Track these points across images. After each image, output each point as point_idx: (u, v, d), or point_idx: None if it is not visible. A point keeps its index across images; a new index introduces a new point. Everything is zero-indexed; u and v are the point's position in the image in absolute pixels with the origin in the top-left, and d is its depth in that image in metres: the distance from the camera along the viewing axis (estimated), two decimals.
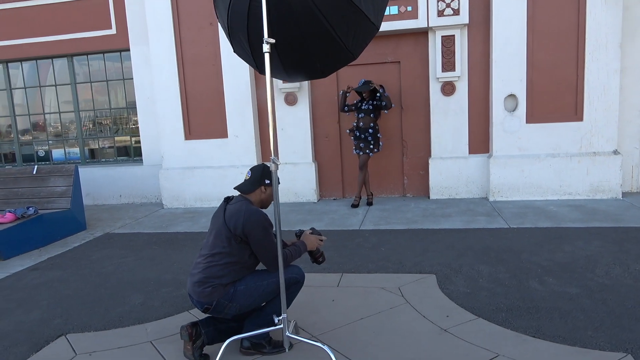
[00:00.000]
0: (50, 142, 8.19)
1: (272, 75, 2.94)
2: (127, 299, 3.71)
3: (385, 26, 6.23)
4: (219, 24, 5.41)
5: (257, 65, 2.87)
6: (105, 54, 7.62)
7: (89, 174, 7.69)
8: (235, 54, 3.10)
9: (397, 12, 6.20)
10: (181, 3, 6.68)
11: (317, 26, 2.51)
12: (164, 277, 4.15)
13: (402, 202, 6.56)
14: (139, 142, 7.72)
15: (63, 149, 8.16)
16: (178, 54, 6.80)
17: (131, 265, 4.57)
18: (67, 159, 8.14)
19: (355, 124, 6.26)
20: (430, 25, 6.15)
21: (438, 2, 6.05)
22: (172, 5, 6.68)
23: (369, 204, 6.48)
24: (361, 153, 6.23)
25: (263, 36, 2.36)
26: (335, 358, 2.47)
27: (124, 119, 7.88)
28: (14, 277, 4.41)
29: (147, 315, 3.38)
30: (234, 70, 6.64)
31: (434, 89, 6.40)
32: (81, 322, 3.33)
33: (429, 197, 6.66)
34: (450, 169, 6.49)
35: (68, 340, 3.05)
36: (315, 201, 6.92)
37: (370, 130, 6.12)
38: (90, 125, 8.01)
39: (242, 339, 2.71)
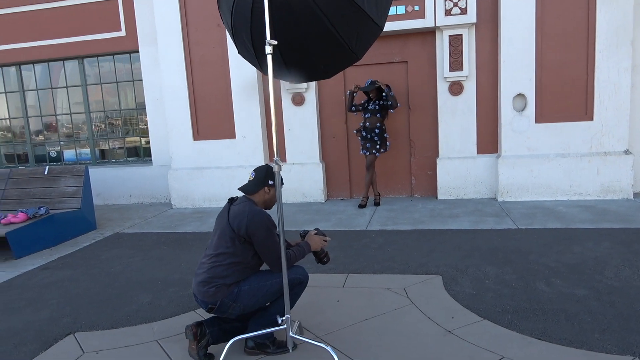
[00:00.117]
0: (61, 142, 8.30)
1: (276, 76, 2.96)
2: (135, 298, 3.75)
3: (392, 26, 6.23)
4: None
5: (260, 66, 2.88)
6: (115, 56, 7.70)
7: (99, 175, 7.78)
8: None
9: (404, 12, 6.18)
10: (189, 5, 6.73)
11: (320, 27, 2.52)
12: (171, 276, 4.18)
13: (409, 203, 6.54)
14: (148, 142, 7.80)
15: (74, 150, 8.27)
16: (186, 55, 6.86)
17: (140, 265, 4.61)
18: (79, 159, 8.24)
19: (362, 124, 6.25)
20: (437, 25, 6.12)
21: (445, 1, 6.02)
22: (180, 7, 6.73)
23: (377, 204, 6.47)
24: (368, 153, 6.23)
25: (265, 38, 2.36)
26: (338, 359, 2.47)
27: (133, 119, 7.96)
28: (25, 276, 4.48)
29: (154, 314, 3.41)
30: (242, 71, 6.67)
31: (442, 88, 6.37)
32: (89, 320, 3.37)
33: (436, 198, 6.63)
34: (458, 169, 6.45)
35: (76, 339, 3.10)
36: (323, 201, 6.93)
37: (376, 130, 6.12)
38: (102, 126, 8.10)
39: (247, 339, 2.73)
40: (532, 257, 4.04)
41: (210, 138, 7.04)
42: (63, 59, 7.88)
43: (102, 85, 7.88)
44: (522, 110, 6.07)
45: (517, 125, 6.10)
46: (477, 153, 6.45)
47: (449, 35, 6.17)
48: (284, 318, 2.60)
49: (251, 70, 6.63)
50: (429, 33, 6.38)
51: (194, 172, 7.10)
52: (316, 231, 2.89)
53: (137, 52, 7.46)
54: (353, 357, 2.64)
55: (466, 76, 6.23)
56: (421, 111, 6.63)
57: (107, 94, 7.92)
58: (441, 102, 6.40)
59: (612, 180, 5.88)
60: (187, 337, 2.68)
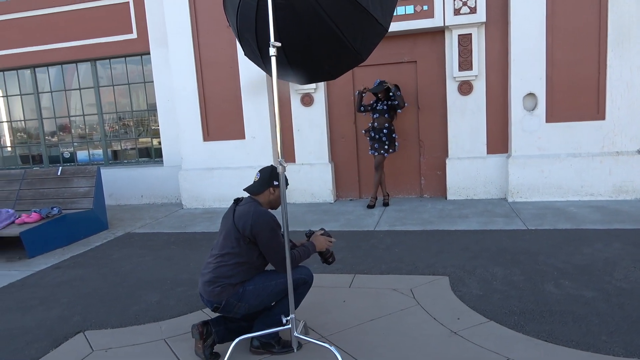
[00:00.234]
0: (75, 144, 8.44)
1: (282, 77, 2.98)
2: (144, 297, 3.80)
3: (401, 26, 6.22)
4: None
5: (266, 67, 2.90)
6: (126, 58, 7.81)
7: (111, 175, 7.88)
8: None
9: (412, 12, 6.17)
10: (199, 7, 6.79)
11: (324, 29, 2.53)
12: (180, 276, 4.23)
13: (418, 203, 6.52)
14: (160, 143, 7.89)
15: (87, 151, 8.40)
16: (196, 57, 6.92)
17: (149, 264, 4.67)
18: (91, 160, 8.37)
19: (370, 125, 6.26)
20: (446, 24, 6.09)
21: (454, 0, 5.99)
22: (190, 10, 6.80)
23: (385, 204, 6.46)
24: (376, 154, 6.22)
25: (269, 40, 2.38)
26: (342, 359, 2.48)
27: (145, 121, 8.06)
28: (37, 275, 4.57)
29: (162, 313, 3.46)
30: (251, 72, 6.70)
31: (451, 88, 6.33)
32: (99, 319, 3.43)
33: (446, 198, 6.59)
34: (468, 169, 6.41)
35: (86, 337, 3.15)
36: (332, 202, 6.94)
37: (385, 130, 6.11)
38: (114, 127, 8.22)
39: (252, 338, 2.75)
40: (540, 258, 4.00)
41: (220, 139, 7.09)
42: (76, 62, 8.00)
43: (114, 87, 7.99)
44: (533, 109, 6.01)
45: (527, 124, 6.04)
46: (487, 153, 6.40)
47: (458, 35, 6.13)
48: (288, 318, 2.62)
49: (260, 71, 6.66)
50: (438, 33, 6.36)
51: (204, 173, 7.16)
52: (322, 232, 2.90)
53: (148, 54, 7.55)
54: (357, 357, 2.64)
55: (475, 76, 6.19)
56: (430, 111, 6.61)
57: (119, 96, 8.03)
58: (450, 102, 6.37)
59: (624, 180, 5.80)
60: (193, 336, 2.71)
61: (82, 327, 3.31)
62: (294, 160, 7.01)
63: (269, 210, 2.72)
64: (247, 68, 6.71)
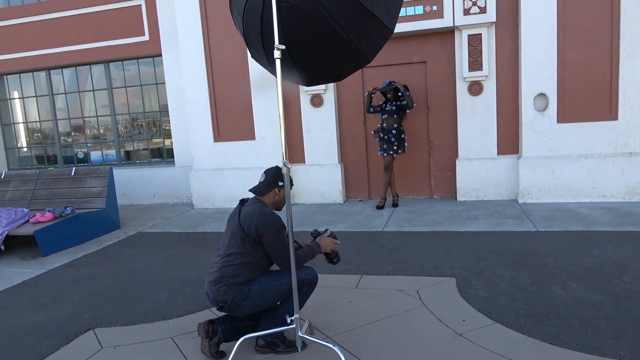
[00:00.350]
0: (88, 144, 8.58)
1: (289, 79, 3.01)
2: (153, 296, 3.85)
3: (410, 26, 6.21)
4: None
5: (272, 69, 2.93)
6: (139, 60, 7.91)
7: (124, 175, 8.00)
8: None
9: (422, 12, 6.15)
10: (210, 10, 6.86)
11: (329, 31, 2.54)
12: (189, 275, 4.28)
13: (428, 204, 6.50)
14: (171, 144, 7.98)
15: (100, 151, 8.53)
16: (207, 59, 6.99)
17: (159, 263, 4.74)
18: (105, 160, 8.50)
19: (379, 125, 6.26)
20: (456, 24, 6.07)
21: (464, 0, 5.96)
22: (201, 12, 6.87)
23: (395, 205, 6.45)
24: (385, 154, 6.22)
25: (274, 42, 2.41)
26: (346, 359, 2.49)
27: (157, 121, 8.17)
28: (50, 273, 4.67)
29: (171, 312, 3.51)
30: (261, 74, 6.74)
31: (461, 88, 6.30)
32: (109, 317, 3.49)
33: (456, 199, 6.56)
34: (478, 170, 6.37)
35: (96, 334, 3.22)
36: (342, 202, 6.95)
37: (394, 131, 6.10)
38: (128, 128, 8.34)
39: (257, 337, 2.78)
40: (549, 260, 3.97)
41: (231, 139, 7.15)
42: (90, 64, 8.14)
43: (127, 88, 8.11)
44: (544, 110, 5.95)
45: (538, 125, 5.98)
46: (498, 154, 6.36)
47: (468, 35, 6.10)
48: (292, 318, 2.64)
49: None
50: (448, 33, 6.33)
51: (215, 173, 7.23)
52: (328, 233, 2.92)
53: (160, 56, 7.65)
54: (361, 357, 2.66)
55: (486, 76, 6.15)
56: (440, 112, 6.58)
57: (131, 97, 8.15)
58: (460, 103, 6.34)
59: (637, 181, 5.71)
60: (199, 334, 2.76)
61: (93, 325, 3.37)
62: (303, 161, 7.04)
63: (274, 210, 2.74)
64: (257, 69, 6.75)
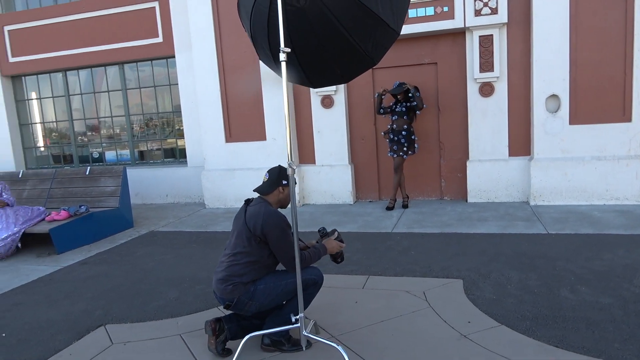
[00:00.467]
0: (103, 144, 8.74)
1: (296, 81, 3.06)
2: (164, 294, 3.92)
3: (421, 27, 6.21)
4: None
5: (279, 71, 2.97)
6: (152, 61, 8.04)
7: (138, 175, 8.12)
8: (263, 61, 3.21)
9: (433, 13, 6.14)
10: (222, 12, 6.94)
11: (335, 34, 2.58)
12: (199, 274, 4.35)
13: (438, 205, 6.48)
14: (184, 144, 8.08)
15: (115, 151, 8.68)
16: (219, 60, 7.07)
17: (171, 262, 4.81)
18: (119, 160, 8.65)
19: (389, 126, 6.26)
20: (467, 25, 6.04)
21: (475, 1, 5.93)
22: (213, 14, 6.95)
23: (405, 206, 6.45)
24: (395, 155, 6.22)
25: (280, 45, 2.45)
26: (349, 358, 2.52)
27: (170, 122, 8.28)
28: (65, 270, 4.78)
29: (180, 309, 3.57)
30: (272, 75, 6.81)
31: (472, 89, 6.27)
32: (120, 314, 3.57)
33: (466, 201, 6.53)
34: (489, 172, 6.34)
35: (107, 331, 3.29)
36: (352, 203, 6.97)
37: (404, 132, 6.10)
38: (141, 128, 8.47)
39: (263, 335, 2.83)
40: (559, 263, 3.94)
41: (242, 140, 7.22)
42: (105, 65, 8.29)
43: (141, 89, 8.24)
44: (556, 111, 5.89)
45: (550, 126, 5.93)
46: (509, 155, 6.31)
47: (479, 36, 6.07)
48: (297, 317, 2.67)
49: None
50: (459, 34, 6.31)
51: (226, 173, 7.30)
52: (336, 235, 2.95)
53: (174, 57, 7.75)
54: (365, 357, 2.68)
55: (497, 77, 6.11)
56: (451, 113, 6.56)
57: (145, 98, 8.28)
58: (471, 104, 6.31)
59: None
60: (206, 332, 2.81)
61: (104, 321, 3.45)
62: (314, 162, 7.08)
63: (279, 209, 2.78)
64: (268, 70, 6.81)
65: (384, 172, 6.97)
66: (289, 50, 2.45)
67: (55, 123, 9.02)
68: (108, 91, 8.44)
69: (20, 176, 6.87)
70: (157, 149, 8.45)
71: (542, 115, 5.94)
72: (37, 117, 9.09)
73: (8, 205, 5.57)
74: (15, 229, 5.36)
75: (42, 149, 9.26)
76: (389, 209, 6.37)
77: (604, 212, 5.44)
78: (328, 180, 6.99)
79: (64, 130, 8.97)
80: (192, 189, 7.96)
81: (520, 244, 4.54)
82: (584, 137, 5.83)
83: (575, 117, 5.84)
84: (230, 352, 2.80)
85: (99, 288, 4.17)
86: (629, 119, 5.63)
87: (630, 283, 3.42)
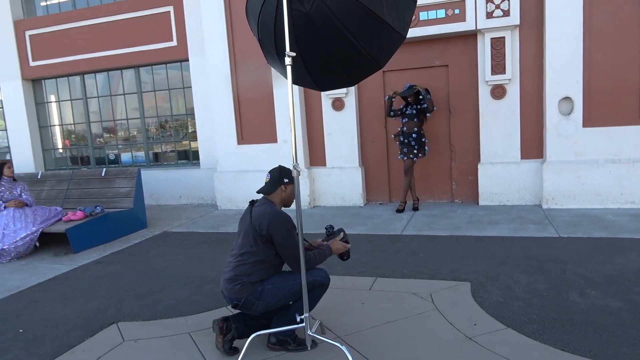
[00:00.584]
0: (119, 146, 8.91)
1: (302, 84, 3.10)
2: (174, 293, 4.00)
3: (432, 30, 6.21)
4: None
5: (286, 75, 3.01)
6: (167, 64, 8.17)
7: (152, 176, 8.26)
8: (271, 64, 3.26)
9: (444, 16, 6.14)
10: (235, 16, 7.03)
11: (340, 37, 2.61)
12: (209, 274, 4.42)
13: (449, 208, 6.46)
14: (197, 146, 8.19)
15: (130, 153, 8.84)
16: (232, 64, 7.16)
17: (182, 262, 4.90)
18: (134, 162, 8.80)
19: (400, 129, 6.27)
20: (478, 28, 6.02)
21: (487, 3, 5.91)
22: (226, 19, 7.05)
23: (415, 209, 6.44)
24: (405, 158, 6.23)
25: (286, 49, 2.50)
26: (353, 358, 2.54)
27: (184, 124, 8.41)
28: (80, 269, 4.89)
29: (190, 308, 3.64)
30: (283, 78, 6.86)
31: (484, 92, 6.24)
32: (132, 312, 3.65)
33: (478, 204, 6.50)
34: (501, 175, 6.30)
35: (119, 328, 3.37)
36: (362, 205, 6.98)
37: (414, 135, 6.10)
38: (159, 129, 8.61)
39: (269, 334, 2.87)
40: (569, 266, 3.90)
41: (253, 142, 7.30)
42: (121, 68, 8.46)
43: (156, 92, 8.38)
44: (569, 113, 5.84)
45: (563, 129, 5.87)
46: (521, 158, 6.26)
47: (491, 38, 6.04)
48: (302, 317, 2.71)
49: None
50: (470, 36, 6.29)
51: (238, 175, 7.39)
52: (341, 236, 2.99)
53: (187, 60, 7.87)
54: (369, 357, 2.70)
55: (509, 79, 6.08)
56: (462, 115, 6.54)
57: (160, 100, 8.42)
58: (483, 106, 6.28)
59: None
60: (214, 330, 2.86)
61: (116, 319, 3.53)
62: (324, 164, 7.11)
63: (283, 208, 2.83)
64: (278, 74, 6.87)
65: (394, 175, 6.97)
66: (294, 54, 2.50)
67: (73, 125, 9.22)
68: (124, 94, 8.61)
69: (39, 177, 7.05)
70: (171, 151, 8.59)
71: (554, 117, 5.89)
72: (55, 119, 9.32)
73: (27, 205, 5.72)
74: (33, 228, 5.50)
75: (61, 150, 9.47)
76: (399, 211, 6.37)
77: (619, 216, 5.37)
78: (338, 183, 7.02)
79: (82, 133, 9.17)
80: (204, 190, 8.07)
81: (530, 247, 4.51)
82: (598, 139, 5.76)
83: (589, 120, 5.77)
84: (237, 351, 2.85)
85: (112, 287, 4.26)
86: None
87: None
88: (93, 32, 8.29)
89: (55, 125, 9.35)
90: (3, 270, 5.02)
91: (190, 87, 7.96)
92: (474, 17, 6.01)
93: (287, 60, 2.48)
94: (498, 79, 6.09)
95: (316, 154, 7.16)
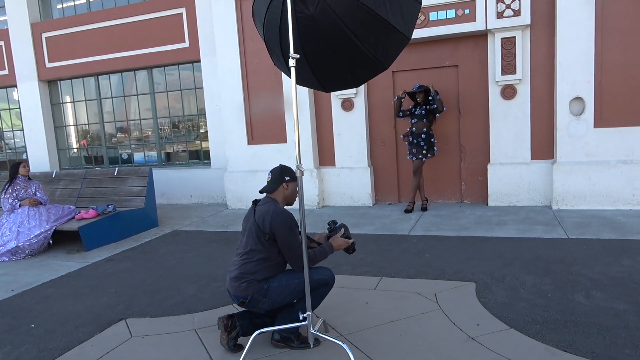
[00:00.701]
0: (132, 146, 9.05)
1: (307, 85, 3.13)
2: (182, 290, 4.07)
3: (442, 30, 6.20)
4: None
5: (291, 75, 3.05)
6: (179, 65, 8.28)
7: (164, 176, 8.38)
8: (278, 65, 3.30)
9: (454, 16, 6.12)
10: (245, 18, 7.10)
11: (344, 39, 2.64)
12: (216, 272, 4.48)
13: (458, 209, 6.44)
14: (209, 146, 8.29)
15: (143, 152, 8.98)
16: (242, 64, 7.23)
17: (191, 260, 4.97)
18: (147, 161, 8.93)
19: (409, 129, 6.27)
20: (489, 28, 6.00)
21: (497, 3, 5.89)
22: (237, 20, 7.12)
23: (423, 209, 6.44)
24: (414, 158, 6.23)
25: (289, 51, 2.53)
26: (354, 357, 2.57)
27: (195, 124, 8.51)
28: (92, 266, 5.00)
29: (197, 306, 3.70)
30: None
31: (494, 92, 6.22)
32: (140, 308, 3.72)
33: (487, 204, 6.47)
34: (511, 175, 6.26)
35: (127, 324, 3.44)
36: (371, 205, 7.00)
37: (423, 135, 6.10)
38: (171, 130, 8.74)
39: (273, 332, 2.91)
40: (575, 268, 3.88)
41: (263, 142, 7.36)
42: (135, 69, 8.59)
43: (168, 92, 8.50)
44: (580, 114, 5.78)
45: (574, 130, 5.82)
46: (531, 159, 6.22)
47: (502, 38, 6.02)
48: (305, 315, 2.74)
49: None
50: (481, 36, 6.26)
51: (248, 175, 7.46)
52: (342, 233, 3.01)
53: (199, 61, 7.98)
54: (371, 356, 2.73)
55: (519, 79, 6.04)
56: (472, 116, 6.51)
57: (172, 101, 8.53)
58: (493, 106, 6.25)
59: None
60: (219, 327, 2.91)
61: (125, 315, 3.61)
62: (334, 164, 7.15)
63: (286, 206, 2.87)
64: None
65: (403, 175, 6.98)
66: (297, 56, 2.53)
67: (87, 125, 9.40)
68: (137, 95, 8.75)
69: (53, 176, 7.21)
70: (183, 151, 8.70)
71: (565, 118, 5.84)
72: (70, 119, 9.50)
73: (41, 203, 5.85)
74: (47, 226, 5.63)
75: (75, 150, 9.66)
76: (408, 211, 6.37)
77: (630, 217, 5.30)
78: (347, 183, 7.05)
79: (96, 132, 9.34)
80: (215, 189, 8.16)
81: (538, 248, 4.49)
82: (610, 140, 5.69)
83: (601, 120, 5.71)
84: (241, 348, 2.89)
85: (122, 284, 4.35)
86: None
87: None
88: (107, 34, 8.44)
89: (70, 126, 9.53)
90: (18, 267, 5.15)
91: (202, 87, 8.06)
92: (484, 17, 5.99)
93: (291, 62, 2.52)
94: (508, 79, 6.06)
95: (325, 154, 7.20)
